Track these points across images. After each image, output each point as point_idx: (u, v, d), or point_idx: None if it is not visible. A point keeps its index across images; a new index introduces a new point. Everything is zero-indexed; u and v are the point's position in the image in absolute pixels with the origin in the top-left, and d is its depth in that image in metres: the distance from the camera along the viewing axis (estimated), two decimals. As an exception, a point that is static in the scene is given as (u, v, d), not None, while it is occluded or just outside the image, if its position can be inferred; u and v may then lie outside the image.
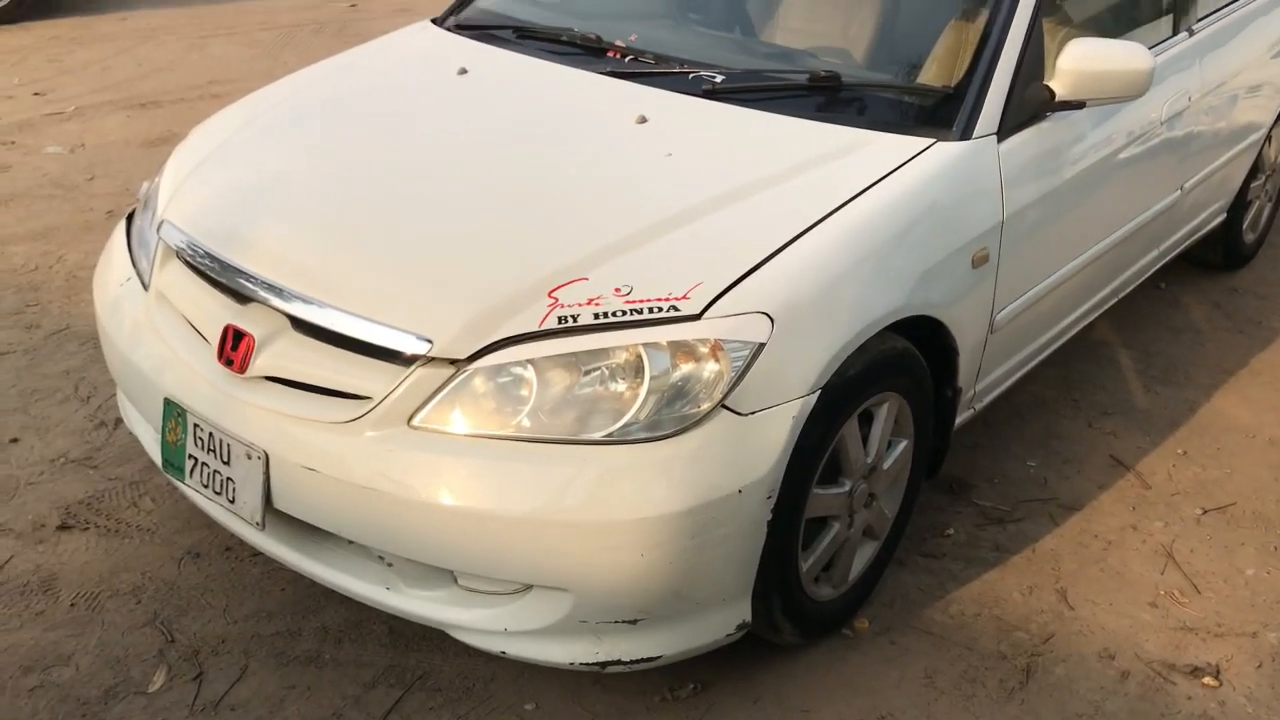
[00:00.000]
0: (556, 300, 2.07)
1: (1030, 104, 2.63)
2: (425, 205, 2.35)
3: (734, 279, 2.11)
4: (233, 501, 2.22)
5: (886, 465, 2.47)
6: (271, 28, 7.16)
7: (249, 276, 2.24)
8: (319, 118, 2.78)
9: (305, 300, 2.16)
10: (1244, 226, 4.22)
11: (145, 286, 2.50)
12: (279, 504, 2.16)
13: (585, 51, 2.88)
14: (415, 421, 2.04)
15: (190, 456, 2.28)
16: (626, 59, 2.81)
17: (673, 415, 2.01)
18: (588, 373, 2.04)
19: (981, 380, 2.76)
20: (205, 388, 2.24)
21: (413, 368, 2.05)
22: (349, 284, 2.17)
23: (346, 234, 2.30)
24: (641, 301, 2.07)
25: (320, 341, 2.15)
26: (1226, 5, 3.65)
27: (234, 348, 2.20)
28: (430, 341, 2.04)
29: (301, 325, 2.17)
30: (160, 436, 2.36)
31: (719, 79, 2.67)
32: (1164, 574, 2.71)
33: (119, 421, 3.04)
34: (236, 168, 2.61)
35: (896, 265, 2.31)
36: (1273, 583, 2.70)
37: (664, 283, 2.10)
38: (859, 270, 2.24)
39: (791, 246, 2.18)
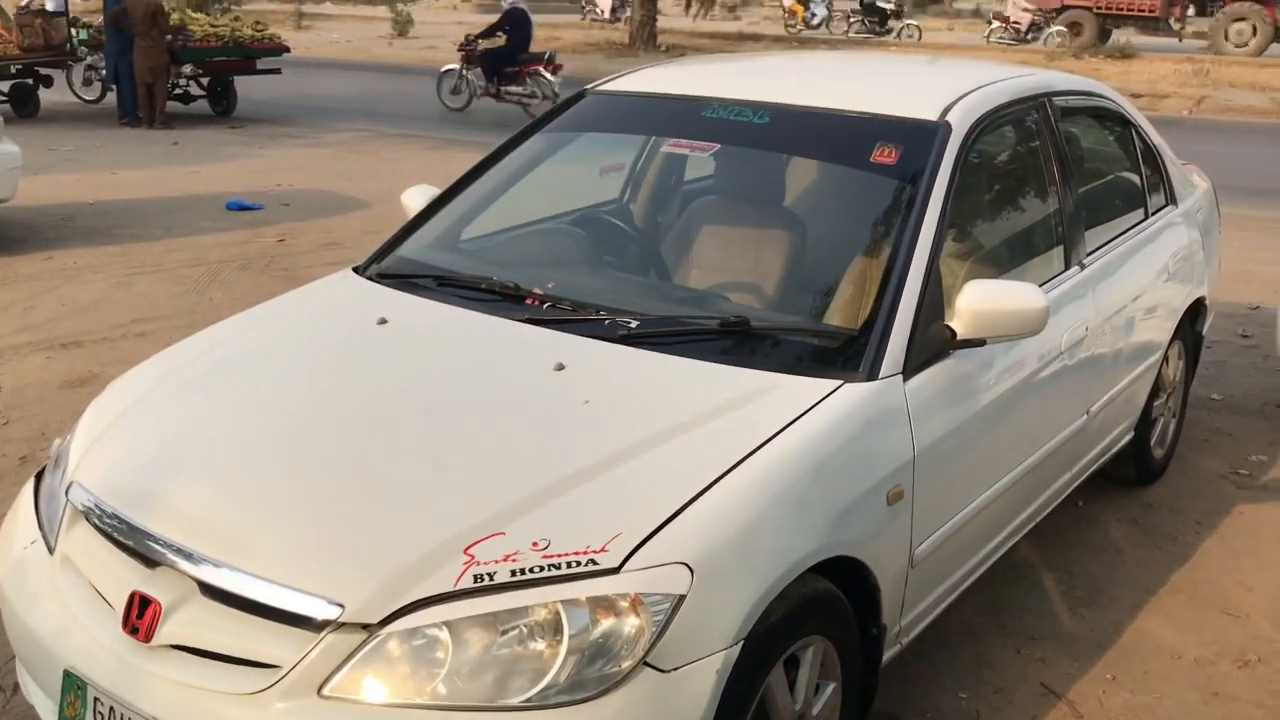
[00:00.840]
0: (473, 558, 2.05)
1: (933, 343, 2.73)
2: (340, 463, 2.34)
3: (651, 529, 2.10)
4: (133, 780, 2.10)
5: (816, 710, 2.43)
6: (199, 264, 7.26)
7: (156, 539, 2.20)
8: (235, 374, 2.78)
9: (213, 564, 2.12)
10: (1152, 443, 4.34)
11: (51, 549, 2.43)
12: (182, 786, 2.05)
13: (504, 299, 2.94)
14: (326, 690, 1.97)
15: (89, 733, 2.17)
16: (544, 306, 2.88)
17: (594, 675, 1.97)
18: (505, 632, 2.00)
19: (906, 615, 2.75)
20: (108, 658, 2.16)
21: (323, 634, 1.99)
22: (258, 547, 2.13)
23: (258, 494, 2.27)
24: (559, 555, 2.05)
25: (229, 607, 2.09)
26: (1114, 239, 3.86)
27: (139, 615, 2.13)
28: (341, 606, 1.99)
29: (210, 590, 2.11)
30: (59, 710, 2.25)
31: (634, 325, 2.74)
32: (1103, 811, 2.66)
33: (16, 687, 2.89)
34: (149, 426, 2.59)
35: (812, 507, 2.34)
36: (1212, 816, 2.65)
37: (582, 535, 2.09)
38: (775, 514, 2.25)
39: (707, 494, 2.19)
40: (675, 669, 2.01)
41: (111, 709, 2.13)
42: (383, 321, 2.87)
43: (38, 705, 2.45)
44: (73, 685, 2.20)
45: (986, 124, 3.20)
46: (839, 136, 3.18)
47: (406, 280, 3.13)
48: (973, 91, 3.24)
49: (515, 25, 15.30)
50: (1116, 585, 3.68)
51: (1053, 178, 3.55)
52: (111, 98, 14.27)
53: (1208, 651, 3.33)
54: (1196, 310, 4.52)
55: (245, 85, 15.19)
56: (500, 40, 15.39)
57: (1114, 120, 4.26)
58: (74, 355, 5.52)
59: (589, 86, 3.78)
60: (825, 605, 2.37)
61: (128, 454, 2.49)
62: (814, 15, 30.91)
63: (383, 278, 3.19)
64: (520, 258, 3.42)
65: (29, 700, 2.52)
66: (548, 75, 15.03)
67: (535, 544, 2.07)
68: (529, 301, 2.91)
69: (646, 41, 24.67)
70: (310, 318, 3.09)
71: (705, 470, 2.24)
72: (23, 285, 6.68)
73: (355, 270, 3.29)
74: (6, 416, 4.74)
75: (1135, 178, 4.26)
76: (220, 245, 7.77)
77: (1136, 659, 3.28)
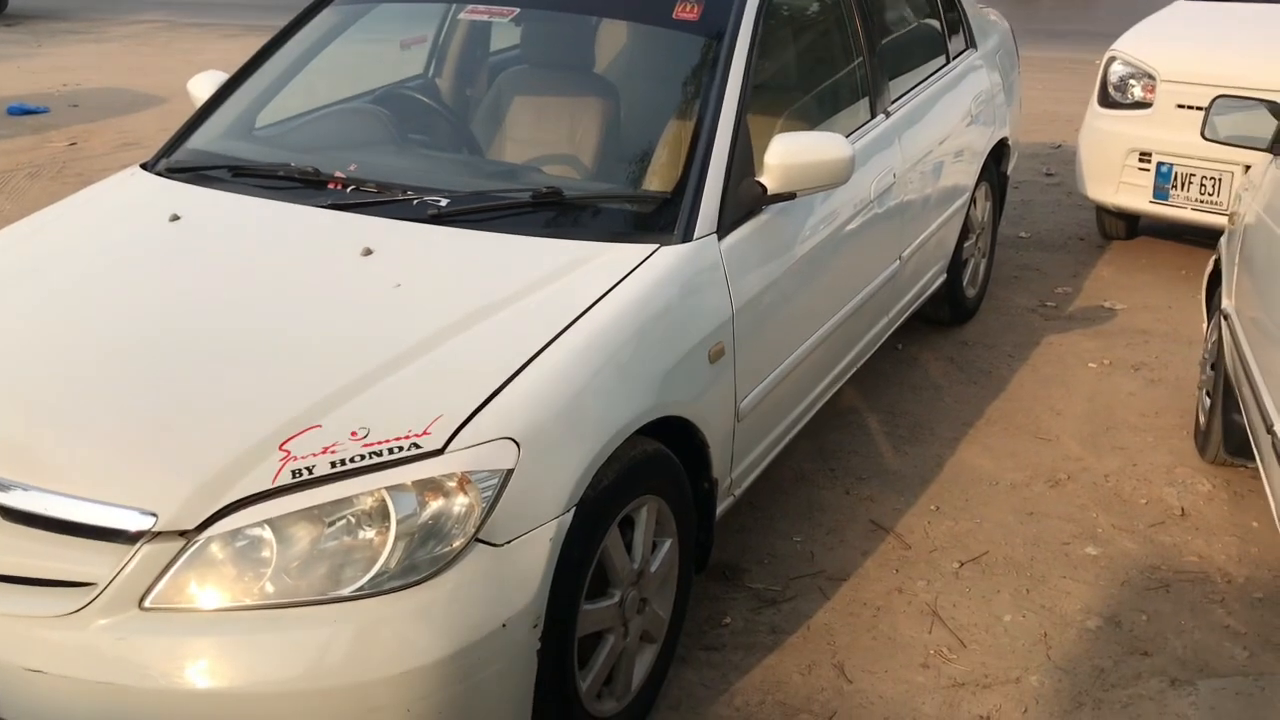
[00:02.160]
0: (289, 453, 1.99)
1: (745, 200, 2.74)
2: (140, 368, 2.22)
3: (474, 408, 2.08)
4: (-50, 716, 2.01)
5: (654, 568, 2.48)
6: (-19, 175, 6.76)
7: (-50, 467, 2.06)
8: (21, 283, 2.60)
9: (18, 487, 2.00)
10: (964, 284, 4.51)
11: None
12: (4, 714, 1.97)
13: (305, 185, 2.82)
14: (148, 602, 1.91)
15: (-103, 673, 2.06)
16: (349, 189, 2.78)
17: (426, 557, 1.96)
18: (331, 524, 1.96)
19: (736, 467, 2.82)
20: (-93, 594, 2.04)
21: (139, 545, 1.92)
22: (60, 462, 2.02)
23: (53, 407, 2.15)
24: (380, 443, 2.01)
25: (36, 529, 1.99)
26: (917, 85, 3.93)
27: (-63, 546, 2.01)
28: (155, 515, 1.92)
29: (13, 514, 2.00)
30: None
31: (444, 203, 2.66)
32: (931, 633, 2.81)
33: None
34: (-73, 347, 2.41)
35: (636, 371, 2.35)
36: (1027, 626, 2.84)
37: (403, 420, 2.06)
38: (599, 381, 2.25)
39: (529, 368, 2.17)
40: (508, 542, 2.01)
41: (-83, 647, 2.02)
42: (175, 218, 2.72)
43: None
44: (-126, 626, 2.07)
45: (786, -25, 3.17)
46: (640, -7, 3.11)
47: (199, 173, 2.97)
48: (771, -59, 3.19)
49: None
50: (937, 421, 3.85)
51: (855, 28, 3.56)
52: None
53: (1022, 475, 3.53)
54: (1000, 151, 4.66)
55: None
56: None
57: (913, -34, 4.29)
58: None
59: (379, -45, 3.59)
60: (655, 465, 2.40)
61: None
62: None
63: (173, 172, 3.01)
64: (320, 141, 3.27)
65: None
66: None
67: (354, 434, 2.02)
68: (331, 186, 2.79)
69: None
70: (97, 219, 2.91)
71: (525, 344, 2.22)
72: None
73: (143, 167, 3.10)
74: None
75: (935, 23, 4.32)
76: (5, 153, 7.24)
77: (957, 488, 3.45)
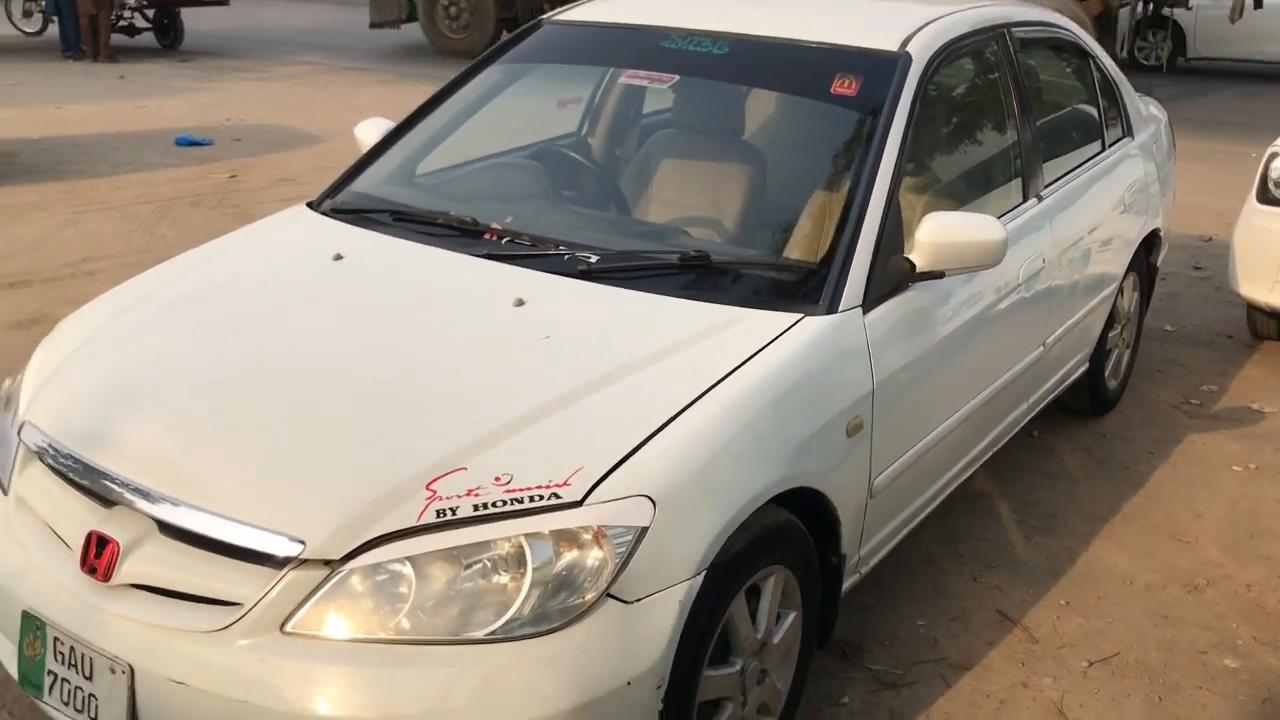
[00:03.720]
0: (434, 493, 2.04)
1: (892, 276, 2.73)
2: (298, 399, 2.31)
3: (614, 463, 2.10)
4: (95, 719, 2.10)
5: (777, 639, 2.46)
6: (148, 201, 7.12)
7: (113, 479, 2.17)
8: (189, 310, 2.74)
9: (172, 502, 2.10)
10: (1106, 374, 4.40)
11: (4, 491, 2.39)
12: (144, 722, 2.05)
13: (462, 234, 2.91)
14: (289, 627, 1.97)
15: (50, 672, 2.16)
16: (503, 241, 2.85)
17: (558, 607, 1.98)
18: (469, 566, 2.00)
19: (865, 544, 2.78)
20: (66, 598, 2.14)
21: (285, 570, 1.98)
22: (218, 484, 2.11)
23: (215, 432, 2.25)
24: (522, 490, 2.05)
25: (189, 545, 2.07)
26: (1072, 170, 3.87)
27: (98, 555, 2.11)
28: (303, 543, 1.98)
29: (169, 529, 2.09)
30: (18, 650, 2.23)
31: (594, 259, 2.72)
32: (1056, 732, 2.72)
33: (-25, 629, 2.87)
34: (102, 364, 2.55)
35: (773, 439, 2.35)
36: (1160, 734, 2.73)
37: (544, 469, 2.09)
38: (737, 447, 2.26)
39: (668, 428, 2.19)
40: (638, 600, 2.02)
41: (72, 649, 2.11)
42: (338, 257, 2.83)
43: (-4, 646, 2.43)
44: (31, 626, 2.18)
45: (947, 54, 3.18)
46: (799, 67, 3.15)
47: (362, 215, 3.08)
48: (933, 21, 3.21)
49: None
50: (1071, 513, 3.75)
51: (1012, 109, 3.54)
52: (53, 30, 13.86)
53: (1158, 577, 3.41)
54: (1151, 242, 4.56)
55: (192, 17, 14.83)
56: None
57: (1072, 52, 4.25)
58: (22, 295, 5.42)
59: (545, 16, 3.72)
60: (786, 536, 2.40)
61: (81, 392, 2.45)
62: None
63: (337, 213, 3.14)
64: (477, 192, 3.38)
65: (-13, 642, 2.49)
66: None
67: (498, 478, 2.07)
68: (487, 236, 2.87)
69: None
70: (264, 253, 3.04)
71: (667, 404, 2.24)
72: (-33, 224, 6.52)
73: (309, 205, 3.24)
74: (-46, 357, 4.64)
75: (1093, 110, 4.27)
76: (170, 182, 7.63)
77: (1089, 584, 3.35)
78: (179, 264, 3.03)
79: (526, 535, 2.01)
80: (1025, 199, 3.50)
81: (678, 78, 3.32)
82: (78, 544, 2.15)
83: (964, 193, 3.43)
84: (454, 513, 2.01)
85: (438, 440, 2.16)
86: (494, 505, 2.03)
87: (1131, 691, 2.88)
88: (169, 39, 14.41)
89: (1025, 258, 3.33)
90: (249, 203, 7.00)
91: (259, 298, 2.77)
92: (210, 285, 2.86)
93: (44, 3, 14.05)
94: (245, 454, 2.19)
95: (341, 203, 3.20)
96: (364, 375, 2.38)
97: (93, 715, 2.10)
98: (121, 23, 13.91)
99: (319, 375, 2.39)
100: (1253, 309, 5.28)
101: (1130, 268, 4.32)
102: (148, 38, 14.38)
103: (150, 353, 2.56)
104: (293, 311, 2.68)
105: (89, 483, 2.21)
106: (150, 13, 14.23)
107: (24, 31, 14.72)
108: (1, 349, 4.74)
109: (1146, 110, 4.77)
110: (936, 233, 2.71)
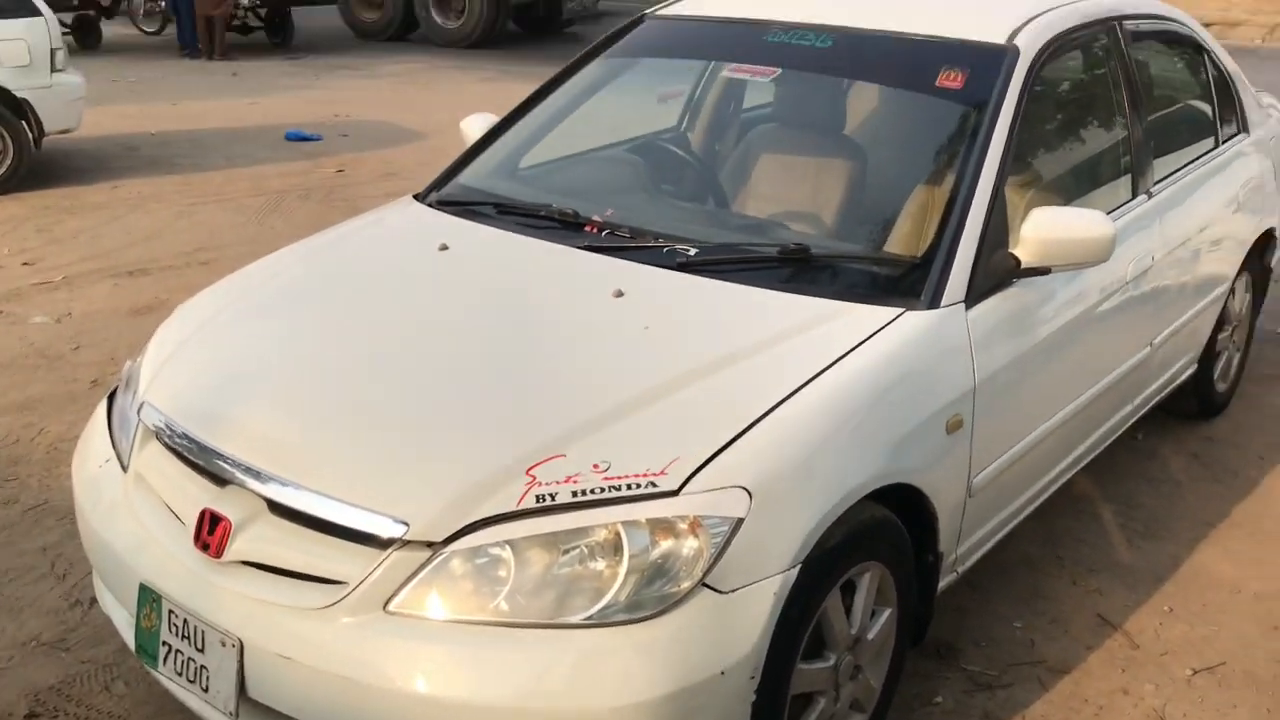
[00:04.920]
0: (534, 478, 2.08)
1: (996, 271, 2.70)
2: (404, 384, 2.37)
3: (711, 453, 2.12)
4: (206, 690, 2.18)
5: (871, 635, 2.45)
6: (259, 194, 7.33)
7: (226, 459, 2.25)
8: (300, 298, 2.82)
9: (281, 483, 2.16)
10: (1215, 377, 4.28)
11: (124, 467, 2.50)
12: (253, 693, 2.12)
13: (564, 226, 2.94)
14: (391, 606, 2.02)
15: (164, 643, 2.25)
16: (603, 233, 2.88)
17: (653, 595, 2.00)
18: (566, 552, 2.03)
19: (963, 543, 2.75)
20: (181, 572, 2.22)
21: (389, 551, 2.04)
22: (325, 466, 2.17)
23: (324, 415, 2.31)
24: (619, 478, 2.08)
25: (297, 525, 2.14)
26: (1184, 167, 3.77)
27: (210, 532, 2.19)
28: (407, 524, 2.03)
29: (278, 508, 2.16)
30: (135, 621, 2.33)
31: (693, 252, 2.73)
32: (1158, 740, 2.67)
33: (94, 601, 2.99)
34: (218, 349, 2.64)
35: (871, 435, 2.34)
36: (1268, 747, 2.65)
37: (642, 458, 2.11)
38: (835, 441, 2.26)
39: (766, 419, 2.20)
40: (733, 590, 2.03)
41: (185, 621, 2.20)
42: (444, 248, 2.89)
43: (115, 617, 2.54)
44: (148, 598, 2.27)
45: (1055, 48, 3.12)
46: (904, 60, 3.12)
47: (467, 207, 3.14)
48: (1042, 14, 3.15)
49: None
50: (1175, 518, 3.65)
51: (1121, 104, 3.47)
52: (172, 29, 14.33)
53: (1268, 586, 3.31)
54: (1266, 242, 4.41)
55: (302, 16, 15.19)
56: None
57: (1186, 45, 4.14)
58: (140, 283, 5.63)
59: (648, 11, 3.74)
60: (882, 532, 2.39)
61: (197, 376, 2.54)
62: None
63: (443, 205, 3.20)
64: (579, 185, 3.42)
65: (106, 612, 2.60)
66: None
67: (596, 466, 2.09)
68: (588, 229, 2.91)
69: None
70: (372, 244, 3.12)
71: (765, 396, 2.25)
72: (89, 214, 6.79)
73: (416, 198, 3.31)
74: (77, 342, 4.85)
75: (1206, 105, 4.15)
76: (280, 175, 7.84)
77: (1194, 591, 3.26)
78: (291, 253, 3.12)
79: (623, 523, 2.03)
80: (1134, 195, 3.42)
81: (780, 71, 3.31)
82: (191, 521, 2.23)
83: (1071, 188, 3.36)
84: (553, 498, 2.05)
85: (538, 427, 2.19)
86: (592, 492, 2.05)
87: (1239, 702, 2.81)
88: (280, 37, 14.79)
89: (1133, 255, 3.25)
90: (356, 196, 7.16)
91: (366, 286, 2.84)
92: (320, 274, 2.95)
93: (164, 3, 14.52)
94: (352, 437, 2.25)
95: (447, 195, 3.26)
96: (466, 362, 2.43)
97: (204, 686, 2.18)
98: (235, 22, 14.32)
99: (423, 362, 2.45)
100: (1374, 313, 5.07)
101: (1242, 268, 4.19)
102: (259, 36, 14.78)
103: (263, 338, 2.65)
104: (398, 300, 2.74)
105: (203, 462, 2.29)
106: (263, 12, 14.61)
107: (144, 31, 15.23)
108: (123, 333, 4.93)
109: (1264, 106, 4.62)
110: (1043, 228, 2.67)
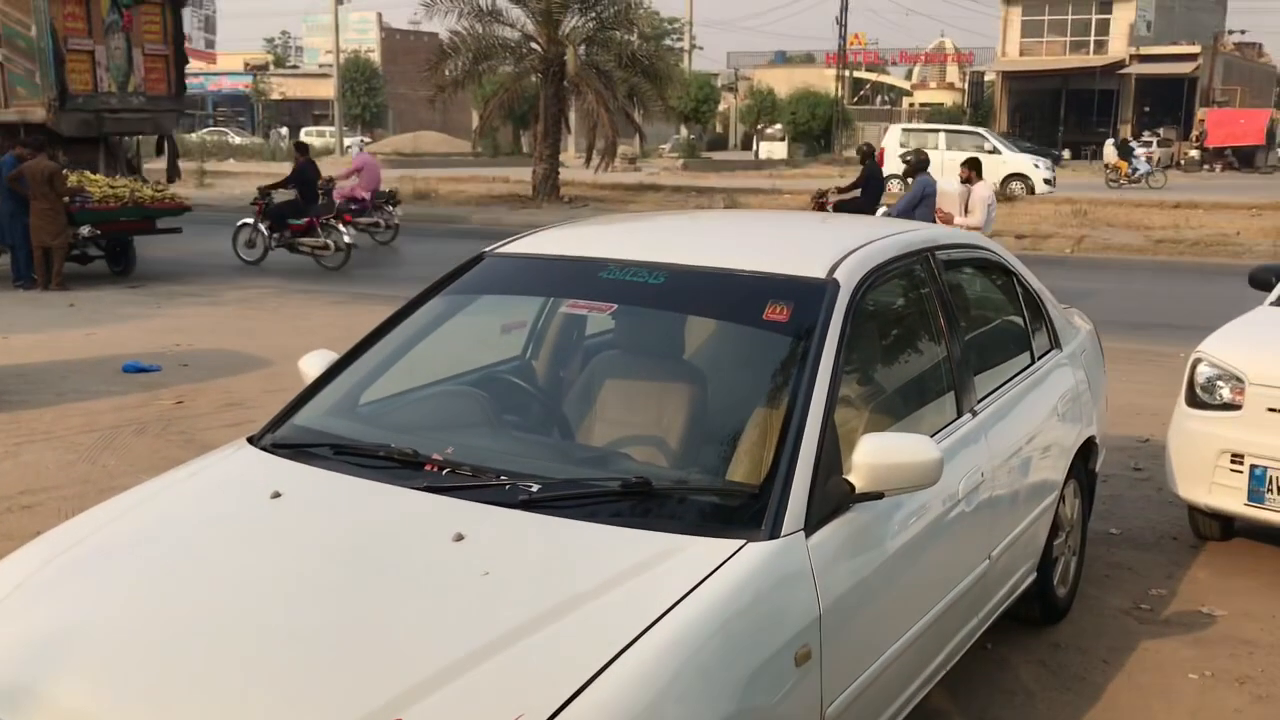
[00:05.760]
0: (369, 748, 1.97)
1: (833, 497, 2.75)
2: (231, 650, 2.25)
3: (554, 709, 2.05)
4: None
5: None
6: (92, 430, 7.05)
7: (31, 742, 2.08)
8: (121, 557, 2.68)
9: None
10: (1055, 582, 4.40)
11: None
12: None
13: (403, 466, 2.90)
14: None
15: None
16: (444, 472, 2.85)
17: None
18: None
19: (822, 778, 2.70)
20: None
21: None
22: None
23: (144, 691, 2.18)
24: (461, 742, 1.98)
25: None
26: (1004, 384, 3.97)
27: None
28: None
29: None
30: None
31: (535, 489, 2.71)
32: None
33: None
34: (29, 616, 2.47)
35: (719, 675, 2.30)
36: None
37: (484, 718, 2.03)
38: (681, 685, 2.22)
39: (610, 669, 2.15)
40: None
41: None
42: (276, 495, 2.80)
43: None
44: None
45: (873, 280, 3.29)
46: (732, 295, 3.25)
47: (302, 450, 3.07)
48: (859, 249, 3.34)
49: (302, 180, 15.60)
50: (1030, 730, 3.67)
51: (940, 328, 3.65)
52: (5, 260, 14.01)
53: (1123, 796, 3.32)
54: (1088, 449, 4.64)
55: (145, 243, 15.07)
56: (290, 194, 15.69)
57: (996, 270, 4.42)
58: (-46, 532, 5.28)
59: (487, 249, 3.82)
60: (736, 774, 2.32)
61: (6, 646, 2.37)
62: (1136, 169, 30.98)
63: (277, 448, 3.12)
64: (420, 421, 3.39)
65: None
66: (340, 226, 15.14)
67: (435, 730, 2.00)
68: (428, 468, 2.87)
69: (549, 193, 25.09)
70: (201, 494, 3.01)
71: (608, 644, 2.21)
72: (-99, 458, 6.41)
73: (250, 440, 3.22)
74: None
75: (1020, 324, 4.41)
76: (115, 410, 7.57)
77: (1054, 808, 3.25)
78: (113, 507, 2.98)
79: (462, 793, 1.93)
80: (960, 414, 3.56)
81: (616, 307, 3.41)
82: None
83: (900, 410, 3.49)
84: (389, 768, 1.94)
85: (373, 689, 2.09)
86: (432, 759, 1.96)
87: None
88: (121, 266, 14.57)
89: (964, 473, 3.37)
90: (195, 429, 6.96)
91: (194, 542, 2.72)
92: (146, 529, 2.82)
93: (-2, 234, 14.24)
94: (173, 709, 2.11)
95: (281, 437, 3.19)
96: (297, 620, 2.33)
97: None
98: (75, 251, 14.09)
99: (249, 624, 2.33)
100: (1194, 510, 5.34)
101: (1069, 475, 4.38)
102: (100, 264, 14.55)
103: (81, 603, 2.50)
104: (227, 556, 2.63)
105: (5, 746, 2.11)
106: (103, 241, 14.44)
107: (-25, 263, 14.84)
108: (-72, 591, 4.58)
109: (1071, 320, 4.94)
110: (873, 454, 2.75)
